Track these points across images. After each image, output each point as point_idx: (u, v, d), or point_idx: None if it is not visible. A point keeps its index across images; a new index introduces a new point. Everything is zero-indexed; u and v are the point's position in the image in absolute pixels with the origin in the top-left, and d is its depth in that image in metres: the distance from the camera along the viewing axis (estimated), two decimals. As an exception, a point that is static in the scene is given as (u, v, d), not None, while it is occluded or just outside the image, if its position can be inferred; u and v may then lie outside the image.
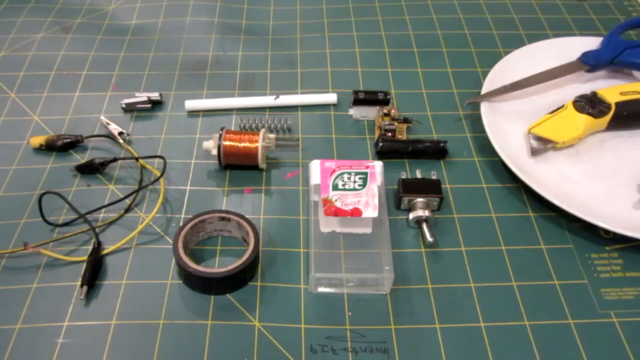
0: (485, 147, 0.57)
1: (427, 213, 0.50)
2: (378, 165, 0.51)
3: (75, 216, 0.50)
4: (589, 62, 0.63)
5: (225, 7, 0.75)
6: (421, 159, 0.56)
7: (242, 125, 0.59)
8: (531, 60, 0.64)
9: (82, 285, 0.45)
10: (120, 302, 0.45)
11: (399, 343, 0.43)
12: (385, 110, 0.60)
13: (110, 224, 0.51)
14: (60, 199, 0.51)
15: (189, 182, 0.54)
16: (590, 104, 0.56)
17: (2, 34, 0.70)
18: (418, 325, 0.44)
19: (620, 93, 0.57)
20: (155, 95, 0.61)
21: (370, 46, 0.69)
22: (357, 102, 0.59)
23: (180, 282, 0.47)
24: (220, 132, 0.53)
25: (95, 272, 0.46)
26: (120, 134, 0.57)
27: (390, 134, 0.57)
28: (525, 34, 0.72)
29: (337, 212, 0.48)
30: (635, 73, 0.64)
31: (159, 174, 0.52)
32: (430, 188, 0.51)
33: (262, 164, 0.54)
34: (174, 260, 0.48)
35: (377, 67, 0.67)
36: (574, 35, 0.71)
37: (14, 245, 0.49)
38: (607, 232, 0.51)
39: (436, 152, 0.56)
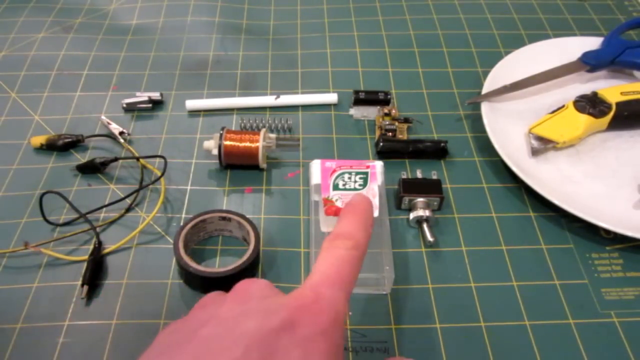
0: (485, 147, 0.57)
1: (427, 213, 0.50)
2: (378, 165, 0.51)
3: (76, 216, 0.50)
4: (590, 62, 0.62)
5: (226, 6, 0.75)
6: (422, 159, 0.56)
7: (242, 125, 0.59)
8: (532, 60, 0.64)
9: (82, 285, 0.45)
10: (121, 302, 0.45)
11: (399, 343, 0.43)
12: (385, 110, 0.60)
13: (111, 223, 0.51)
14: (61, 199, 0.51)
15: (190, 182, 0.54)
16: (590, 104, 0.56)
17: (2, 34, 0.70)
18: (418, 325, 0.44)
19: (621, 93, 0.57)
20: (156, 95, 0.61)
21: (370, 46, 0.69)
22: (358, 102, 0.59)
23: (181, 281, 0.47)
24: (221, 131, 0.53)
25: (96, 271, 0.46)
26: (121, 133, 0.57)
27: (390, 133, 0.57)
28: (525, 34, 0.72)
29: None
30: (636, 73, 0.64)
31: (159, 174, 0.52)
32: (430, 188, 0.51)
33: (262, 164, 0.54)
34: (174, 260, 0.48)
35: (377, 67, 0.67)
36: (574, 35, 0.71)
37: (14, 244, 0.49)
38: (607, 232, 0.51)
39: (437, 152, 0.56)
